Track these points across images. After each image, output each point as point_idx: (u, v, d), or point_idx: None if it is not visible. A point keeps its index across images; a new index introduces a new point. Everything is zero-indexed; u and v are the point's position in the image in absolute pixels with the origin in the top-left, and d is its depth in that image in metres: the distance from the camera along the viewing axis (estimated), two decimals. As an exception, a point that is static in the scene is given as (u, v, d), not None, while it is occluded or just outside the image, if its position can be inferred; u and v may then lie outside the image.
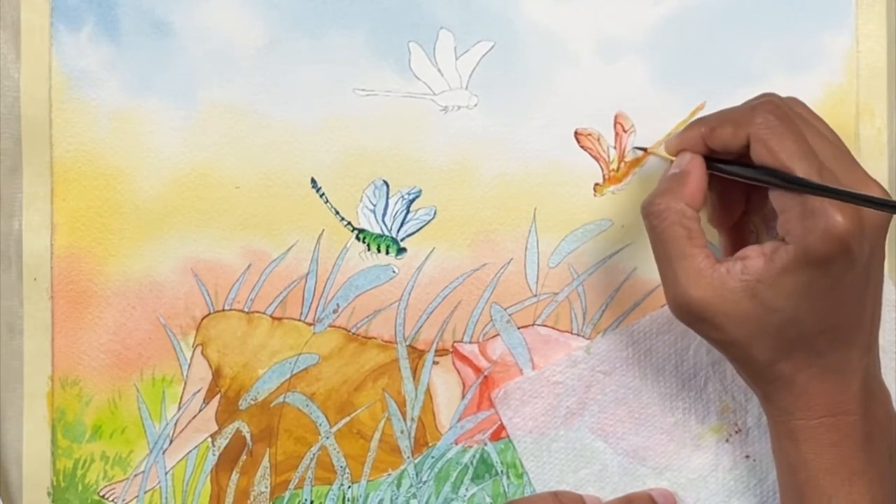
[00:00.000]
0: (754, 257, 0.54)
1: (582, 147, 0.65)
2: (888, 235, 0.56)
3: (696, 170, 0.57)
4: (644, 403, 0.65)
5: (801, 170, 0.53)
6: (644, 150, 0.63)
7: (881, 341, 0.59)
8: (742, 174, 0.56)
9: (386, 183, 0.65)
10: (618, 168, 0.65)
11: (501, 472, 0.65)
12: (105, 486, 0.65)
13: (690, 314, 0.55)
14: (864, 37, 0.64)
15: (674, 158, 0.59)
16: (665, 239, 0.55)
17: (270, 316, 0.65)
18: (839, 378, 0.55)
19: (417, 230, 0.65)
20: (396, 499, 0.65)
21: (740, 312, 0.54)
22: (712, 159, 0.58)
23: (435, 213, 0.65)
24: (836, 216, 0.52)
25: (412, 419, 0.65)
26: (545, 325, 0.65)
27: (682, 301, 0.55)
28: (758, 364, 0.55)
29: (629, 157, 0.65)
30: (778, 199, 0.54)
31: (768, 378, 0.56)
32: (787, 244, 0.53)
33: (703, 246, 0.55)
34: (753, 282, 0.53)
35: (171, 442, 0.65)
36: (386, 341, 0.65)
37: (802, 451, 0.56)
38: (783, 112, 0.55)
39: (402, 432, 0.65)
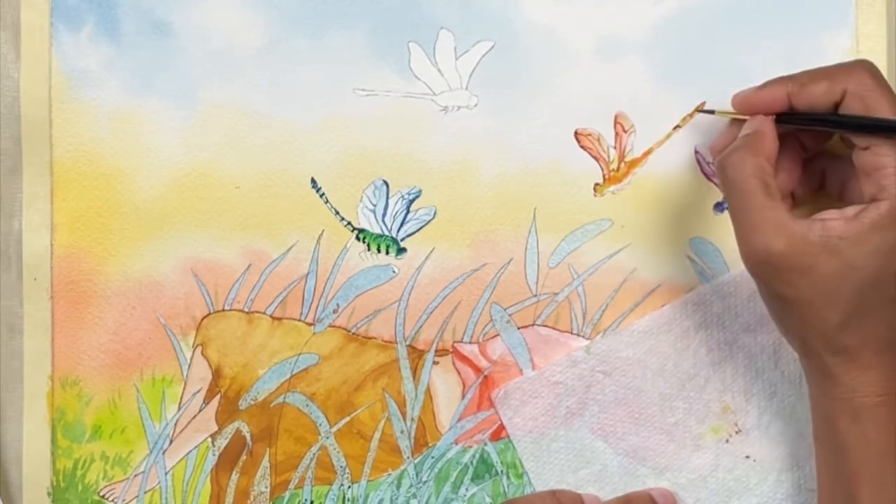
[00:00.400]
0: (834, 218, 0.54)
1: (582, 147, 0.65)
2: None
3: (770, 130, 0.57)
4: (644, 403, 0.65)
5: None
6: (711, 111, 0.63)
7: None
8: (824, 119, 0.57)
9: (386, 183, 0.65)
10: (618, 168, 0.65)
11: (501, 472, 0.65)
12: (105, 486, 0.65)
13: (767, 265, 0.55)
14: (864, 37, 0.64)
15: (744, 116, 0.59)
16: (744, 190, 0.55)
17: (270, 316, 0.65)
18: None
19: (417, 230, 0.65)
20: (396, 499, 0.65)
21: (819, 269, 0.54)
22: (795, 116, 0.58)
23: (435, 213, 0.65)
24: None
25: (412, 419, 0.65)
26: (545, 325, 0.65)
27: (760, 252, 0.54)
28: (828, 327, 0.54)
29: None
30: (869, 158, 0.55)
31: (836, 347, 0.55)
32: (878, 201, 0.54)
33: (780, 200, 0.55)
34: (835, 238, 0.53)
35: (171, 442, 0.65)
36: (386, 341, 0.65)
37: (866, 430, 0.55)
38: (878, 74, 0.56)
39: (402, 432, 0.65)
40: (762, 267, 0.55)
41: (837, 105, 0.56)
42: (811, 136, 0.59)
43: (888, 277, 0.54)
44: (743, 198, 0.55)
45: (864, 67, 0.56)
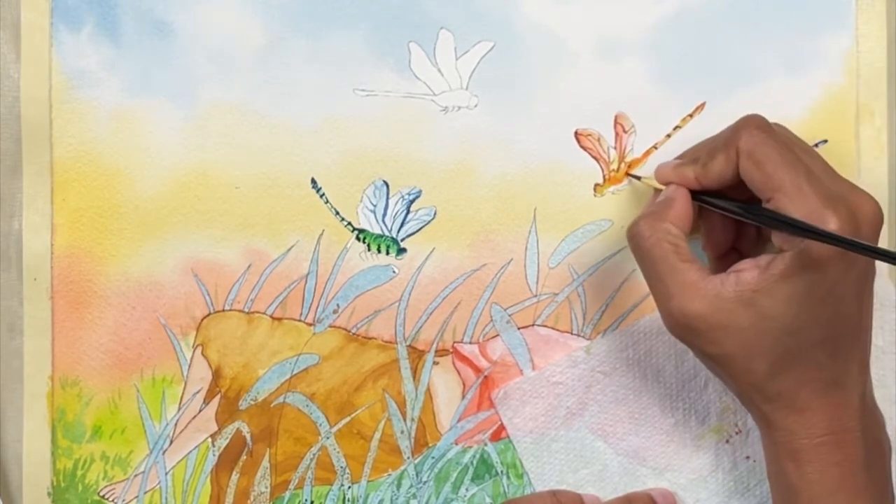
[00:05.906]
0: (748, 269, 0.54)
1: (582, 147, 0.65)
2: (887, 241, 0.56)
3: (681, 196, 0.58)
4: (644, 404, 0.65)
5: (788, 177, 0.54)
6: (637, 177, 0.64)
7: (880, 341, 0.58)
8: (726, 208, 0.57)
9: (386, 183, 0.65)
10: (618, 168, 0.65)
11: (501, 472, 0.65)
12: (105, 487, 0.65)
13: (686, 328, 0.55)
14: (863, 37, 0.64)
15: (663, 187, 0.59)
16: (653, 256, 0.56)
17: (270, 316, 0.65)
18: (841, 394, 0.55)
19: (417, 230, 0.65)
20: (396, 499, 0.65)
21: (737, 323, 0.54)
22: (702, 193, 0.58)
23: (435, 213, 0.65)
24: (832, 218, 0.52)
25: (412, 419, 0.65)
26: (545, 326, 0.65)
27: (677, 315, 0.55)
28: (757, 378, 0.55)
29: (625, 184, 0.65)
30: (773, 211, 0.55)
31: (769, 395, 0.55)
32: (784, 251, 0.54)
33: (692, 260, 0.55)
34: (749, 291, 0.53)
35: (171, 442, 0.65)
36: (386, 341, 0.65)
37: (806, 472, 0.55)
38: (766, 125, 0.56)
39: (402, 432, 0.65)
40: (683, 330, 0.55)
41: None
42: (737, 191, 0.58)
43: (806, 323, 0.53)
44: (654, 264, 0.55)
45: (751, 122, 0.56)
